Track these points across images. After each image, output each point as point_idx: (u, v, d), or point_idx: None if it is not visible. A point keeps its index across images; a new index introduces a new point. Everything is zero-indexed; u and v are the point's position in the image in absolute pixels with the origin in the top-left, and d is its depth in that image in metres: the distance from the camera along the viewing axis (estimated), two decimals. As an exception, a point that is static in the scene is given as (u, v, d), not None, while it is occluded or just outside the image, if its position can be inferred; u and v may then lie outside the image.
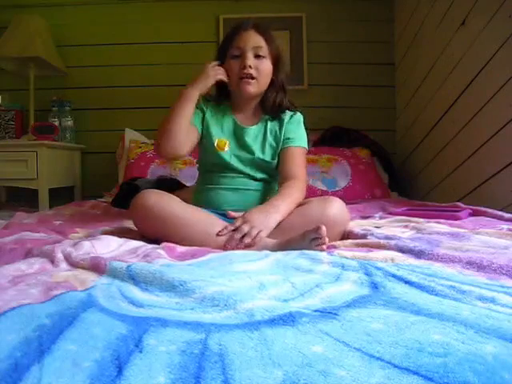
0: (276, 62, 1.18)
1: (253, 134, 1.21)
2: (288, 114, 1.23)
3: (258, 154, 1.19)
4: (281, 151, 1.21)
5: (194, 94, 1.13)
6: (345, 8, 2.46)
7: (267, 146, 1.21)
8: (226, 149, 1.20)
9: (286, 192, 1.09)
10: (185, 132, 1.12)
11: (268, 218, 0.99)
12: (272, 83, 1.20)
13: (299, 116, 1.25)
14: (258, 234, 0.96)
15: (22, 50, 2.13)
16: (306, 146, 1.24)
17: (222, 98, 1.24)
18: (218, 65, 1.20)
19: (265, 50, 1.14)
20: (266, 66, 1.15)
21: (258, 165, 1.20)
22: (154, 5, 2.47)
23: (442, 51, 1.87)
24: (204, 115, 1.21)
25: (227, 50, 1.17)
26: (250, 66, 1.12)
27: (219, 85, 1.22)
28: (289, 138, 1.20)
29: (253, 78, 1.14)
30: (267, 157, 1.20)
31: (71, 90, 2.45)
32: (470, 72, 1.64)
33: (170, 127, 1.10)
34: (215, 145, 1.20)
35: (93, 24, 2.47)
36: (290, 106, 1.24)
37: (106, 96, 2.46)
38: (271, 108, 1.22)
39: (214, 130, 1.21)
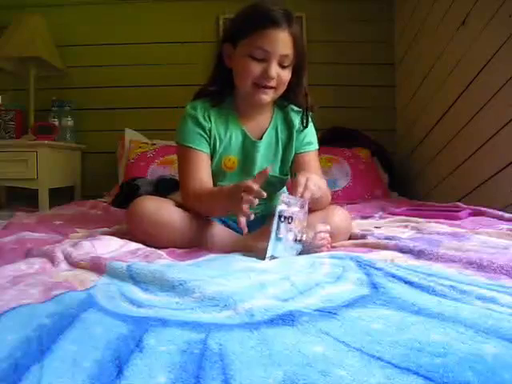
0: (299, 66, 1.04)
1: (264, 147, 1.09)
2: (295, 114, 1.13)
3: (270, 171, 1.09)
4: (297, 156, 1.11)
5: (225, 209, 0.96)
6: (345, 8, 2.45)
7: (278, 157, 1.11)
8: (235, 168, 1.09)
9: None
10: None
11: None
12: (291, 87, 1.06)
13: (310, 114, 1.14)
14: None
15: (22, 49, 2.13)
16: (318, 146, 1.16)
17: (224, 94, 1.08)
18: (224, 48, 1.03)
19: (290, 59, 0.99)
20: (287, 76, 1.02)
21: (270, 183, 1.06)
22: (154, 5, 2.47)
23: (442, 51, 1.87)
24: (210, 130, 1.06)
25: (245, 39, 0.98)
26: (273, 78, 0.99)
27: (222, 75, 1.06)
28: (305, 143, 1.11)
29: (272, 87, 1.01)
30: (279, 172, 1.12)
31: (71, 89, 2.45)
32: (470, 72, 1.63)
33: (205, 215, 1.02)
34: (222, 164, 1.08)
35: (93, 24, 2.46)
36: (311, 109, 1.13)
37: (106, 96, 2.46)
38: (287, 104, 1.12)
39: (221, 146, 1.07)
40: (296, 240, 0.85)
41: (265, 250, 0.82)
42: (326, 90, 2.45)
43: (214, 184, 1.07)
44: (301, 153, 1.11)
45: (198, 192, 1.00)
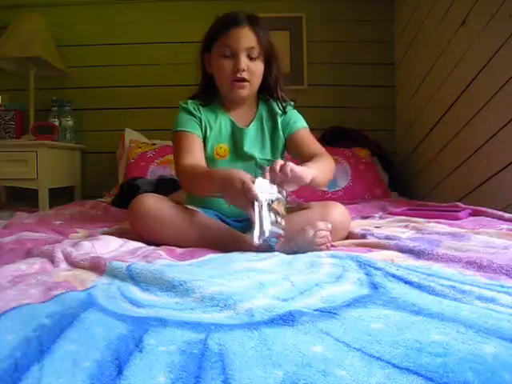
0: (268, 59, 1.13)
1: (251, 133, 1.17)
2: (275, 104, 1.20)
3: (259, 155, 1.16)
4: (289, 138, 1.17)
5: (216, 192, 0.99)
6: (345, 8, 2.45)
7: (267, 143, 1.18)
8: (227, 156, 1.15)
9: (318, 161, 1.04)
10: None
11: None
12: (266, 79, 1.15)
13: (290, 103, 1.21)
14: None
15: (22, 50, 2.13)
16: (307, 125, 1.21)
17: (211, 97, 1.18)
18: (203, 57, 1.15)
19: (257, 51, 1.09)
20: (258, 67, 1.11)
21: (261, 167, 1.16)
22: (153, 5, 2.47)
23: (442, 51, 1.87)
24: (200, 118, 1.15)
25: (215, 44, 1.11)
26: (244, 70, 1.08)
27: (207, 82, 1.18)
28: (292, 123, 1.17)
29: (246, 80, 1.10)
30: (268, 155, 1.17)
31: (71, 89, 2.45)
32: (469, 72, 1.63)
33: (197, 195, 1.10)
34: (215, 153, 1.15)
35: (93, 24, 2.46)
36: (284, 98, 1.19)
37: (106, 96, 2.46)
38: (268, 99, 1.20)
39: (212, 134, 1.15)
40: (276, 222, 0.86)
41: (253, 232, 0.82)
42: (326, 90, 2.46)
43: None
44: (291, 133, 1.18)
45: (193, 168, 1.04)
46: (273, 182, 0.88)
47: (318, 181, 0.99)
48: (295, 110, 1.23)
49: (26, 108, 2.27)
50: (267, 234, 0.82)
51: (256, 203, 0.83)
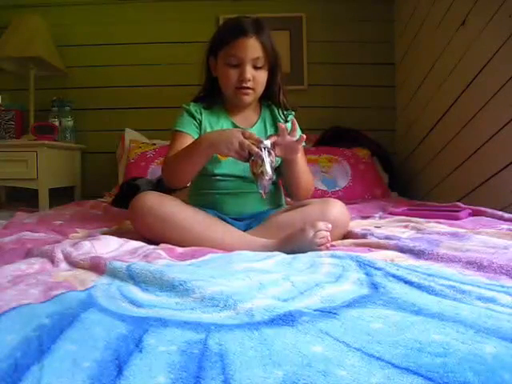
0: (273, 66, 1.14)
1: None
2: (279, 113, 1.21)
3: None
4: None
5: (209, 154, 1.03)
6: (345, 8, 2.45)
7: None
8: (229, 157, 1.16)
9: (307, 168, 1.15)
10: (193, 175, 1.10)
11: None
12: (270, 86, 1.17)
13: (291, 113, 1.22)
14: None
15: (22, 50, 2.13)
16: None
17: (215, 100, 1.19)
18: (209, 61, 1.16)
19: (262, 61, 1.10)
20: (263, 76, 1.13)
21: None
22: (153, 5, 2.47)
23: (442, 51, 1.87)
24: (201, 121, 1.17)
25: (221, 51, 1.11)
26: (249, 80, 1.10)
27: (211, 84, 1.19)
28: None
29: (250, 88, 1.12)
30: None
31: (71, 89, 2.45)
32: (469, 72, 1.63)
33: (179, 178, 1.09)
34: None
35: (93, 24, 2.46)
36: (286, 105, 1.20)
37: (106, 96, 2.46)
38: (270, 103, 1.22)
39: None
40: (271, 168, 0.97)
41: (262, 175, 0.94)
42: (326, 90, 2.46)
43: (210, 171, 1.13)
44: None
45: (175, 152, 1.09)
46: (272, 145, 0.99)
47: (298, 169, 1.10)
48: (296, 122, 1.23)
49: (26, 108, 2.27)
50: (272, 175, 0.94)
51: (263, 148, 0.95)
